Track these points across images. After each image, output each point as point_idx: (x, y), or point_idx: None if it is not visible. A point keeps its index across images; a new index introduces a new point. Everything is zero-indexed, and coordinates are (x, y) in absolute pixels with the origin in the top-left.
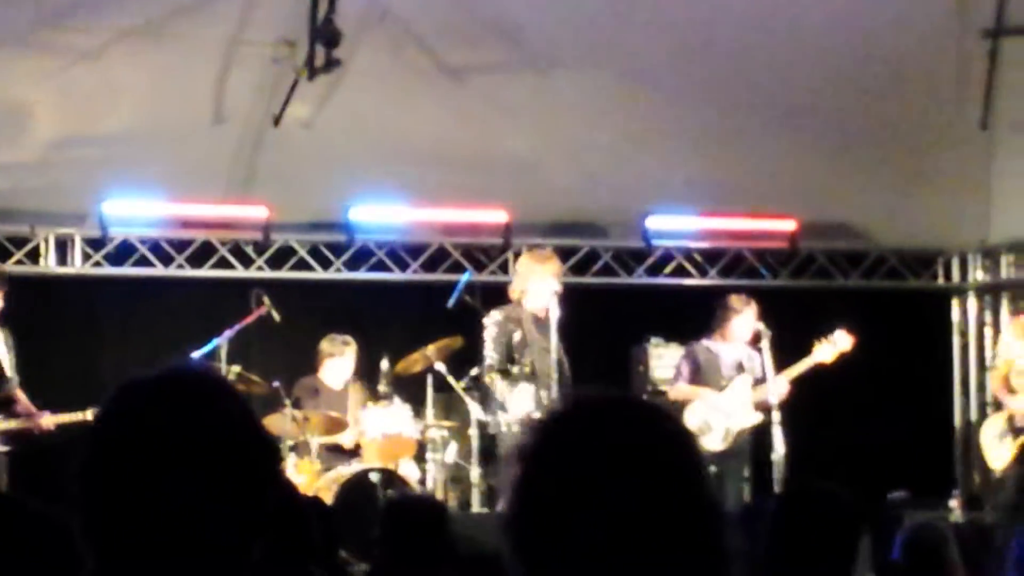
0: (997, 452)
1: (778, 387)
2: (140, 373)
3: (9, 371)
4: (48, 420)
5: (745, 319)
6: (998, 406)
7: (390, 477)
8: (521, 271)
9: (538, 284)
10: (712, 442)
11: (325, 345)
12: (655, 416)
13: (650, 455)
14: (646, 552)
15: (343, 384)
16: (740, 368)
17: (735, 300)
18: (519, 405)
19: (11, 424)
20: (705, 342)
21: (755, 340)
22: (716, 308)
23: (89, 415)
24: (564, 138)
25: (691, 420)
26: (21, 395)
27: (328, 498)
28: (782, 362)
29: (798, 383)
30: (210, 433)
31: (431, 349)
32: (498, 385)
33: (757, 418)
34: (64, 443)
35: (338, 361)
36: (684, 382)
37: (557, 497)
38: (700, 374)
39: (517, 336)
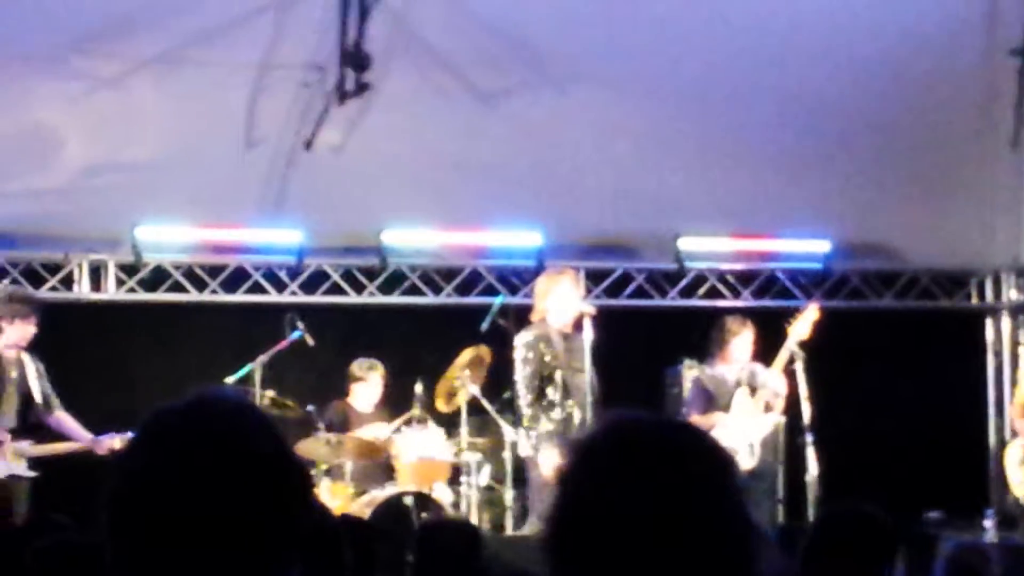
0: (1018, 478)
1: (775, 382)
2: (172, 400)
3: (38, 397)
4: (109, 443)
5: (743, 340)
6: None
7: (424, 500)
8: (539, 291)
9: (559, 301)
10: (743, 462)
11: (353, 369)
12: (695, 438)
13: (691, 477)
14: (686, 574)
15: (372, 408)
16: (737, 383)
17: (732, 322)
18: (548, 461)
19: (41, 450)
20: (708, 369)
21: (789, 362)
22: (713, 331)
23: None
24: (596, 159)
25: None
26: (66, 418)
27: None
28: (812, 384)
29: (826, 399)
30: (242, 460)
31: (460, 362)
32: (530, 419)
33: (773, 419)
34: (86, 470)
35: (364, 385)
36: (697, 413)
37: (597, 518)
38: (712, 402)
39: (548, 356)
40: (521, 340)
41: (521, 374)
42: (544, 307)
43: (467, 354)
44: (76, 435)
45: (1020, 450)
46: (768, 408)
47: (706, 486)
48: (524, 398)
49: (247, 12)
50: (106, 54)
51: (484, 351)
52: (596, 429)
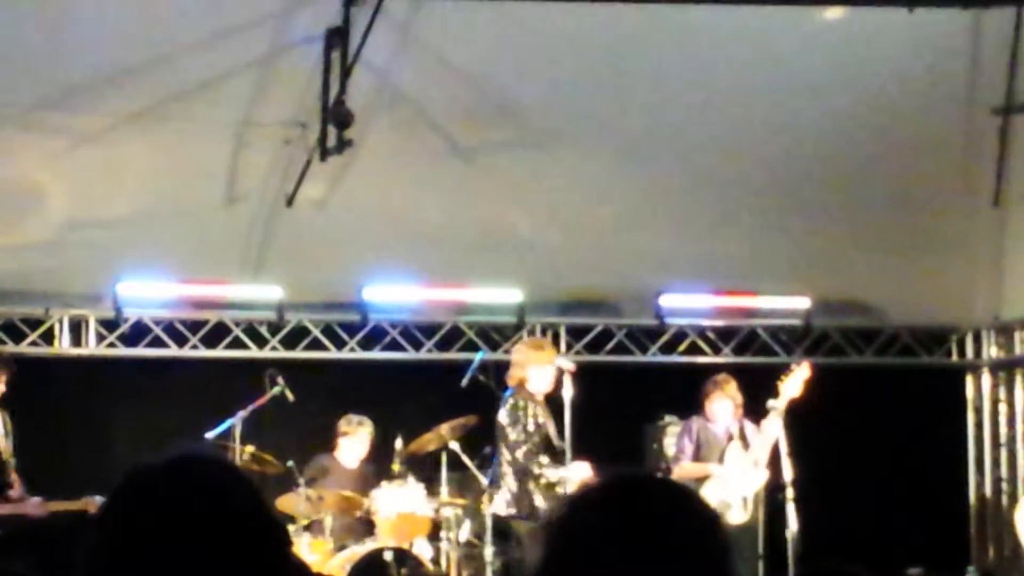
0: None
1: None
2: (151, 458)
3: (7, 455)
4: (40, 507)
5: (726, 399)
6: None
7: (403, 556)
8: (518, 359)
9: (538, 370)
10: (736, 516)
11: (341, 424)
12: (687, 497)
13: (681, 537)
14: None
15: (357, 463)
16: (729, 437)
17: (717, 380)
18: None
19: (3, 509)
20: (699, 419)
21: (764, 415)
22: (702, 387)
23: (82, 504)
24: (577, 216)
25: (709, 499)
26: (15, 479)
27: None
28: (792, 441)
29: (807, 456)
30: (219, 518)
31: (445, 428)
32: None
33: (765, 475)
34: (56, 528)
35: (353, 441)
36: (687, 460)
37: (587, 572)
38: (701, 450)
39: (540, 418)
40: (508, 405)
41: (514, 433)
42: (524, 375)
43: (455, 422)
44: (17, 495)
45: None
46: (759, 463)
47: (697, 547)
48: (521, 453)
49: (230, 69)
50: (88, 110)
51: (471, 420)
52: (592, 485)
